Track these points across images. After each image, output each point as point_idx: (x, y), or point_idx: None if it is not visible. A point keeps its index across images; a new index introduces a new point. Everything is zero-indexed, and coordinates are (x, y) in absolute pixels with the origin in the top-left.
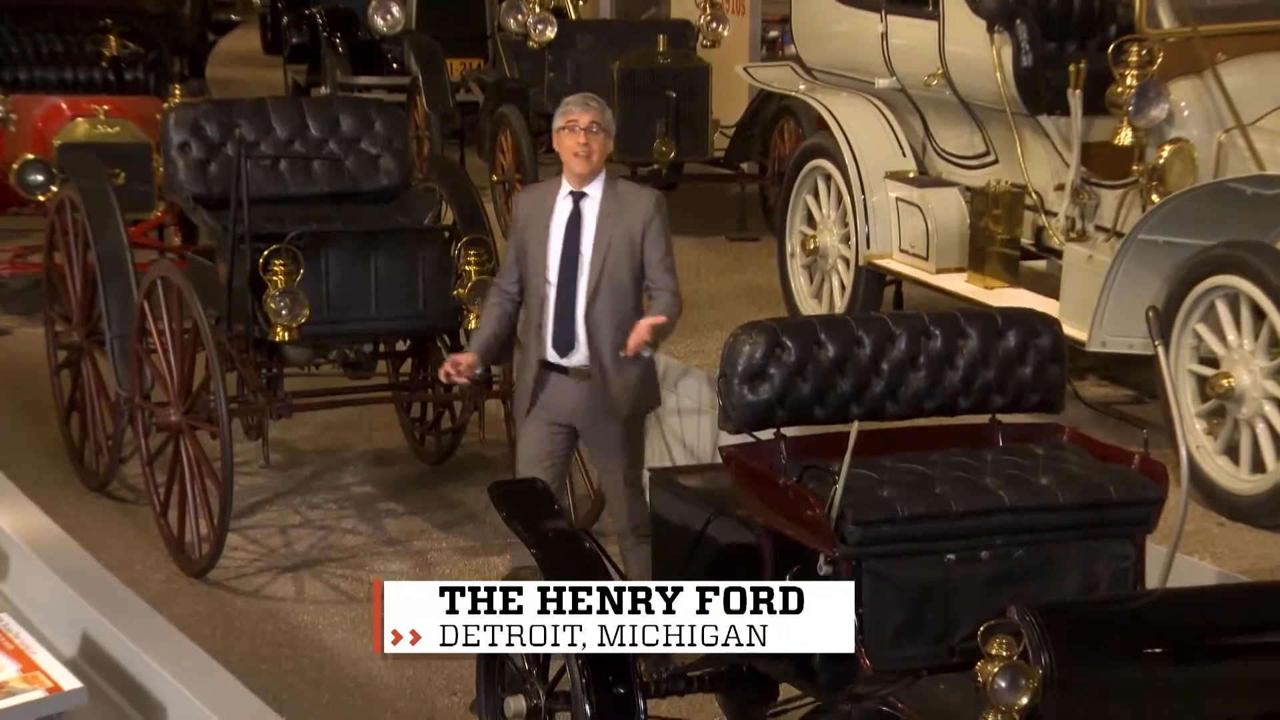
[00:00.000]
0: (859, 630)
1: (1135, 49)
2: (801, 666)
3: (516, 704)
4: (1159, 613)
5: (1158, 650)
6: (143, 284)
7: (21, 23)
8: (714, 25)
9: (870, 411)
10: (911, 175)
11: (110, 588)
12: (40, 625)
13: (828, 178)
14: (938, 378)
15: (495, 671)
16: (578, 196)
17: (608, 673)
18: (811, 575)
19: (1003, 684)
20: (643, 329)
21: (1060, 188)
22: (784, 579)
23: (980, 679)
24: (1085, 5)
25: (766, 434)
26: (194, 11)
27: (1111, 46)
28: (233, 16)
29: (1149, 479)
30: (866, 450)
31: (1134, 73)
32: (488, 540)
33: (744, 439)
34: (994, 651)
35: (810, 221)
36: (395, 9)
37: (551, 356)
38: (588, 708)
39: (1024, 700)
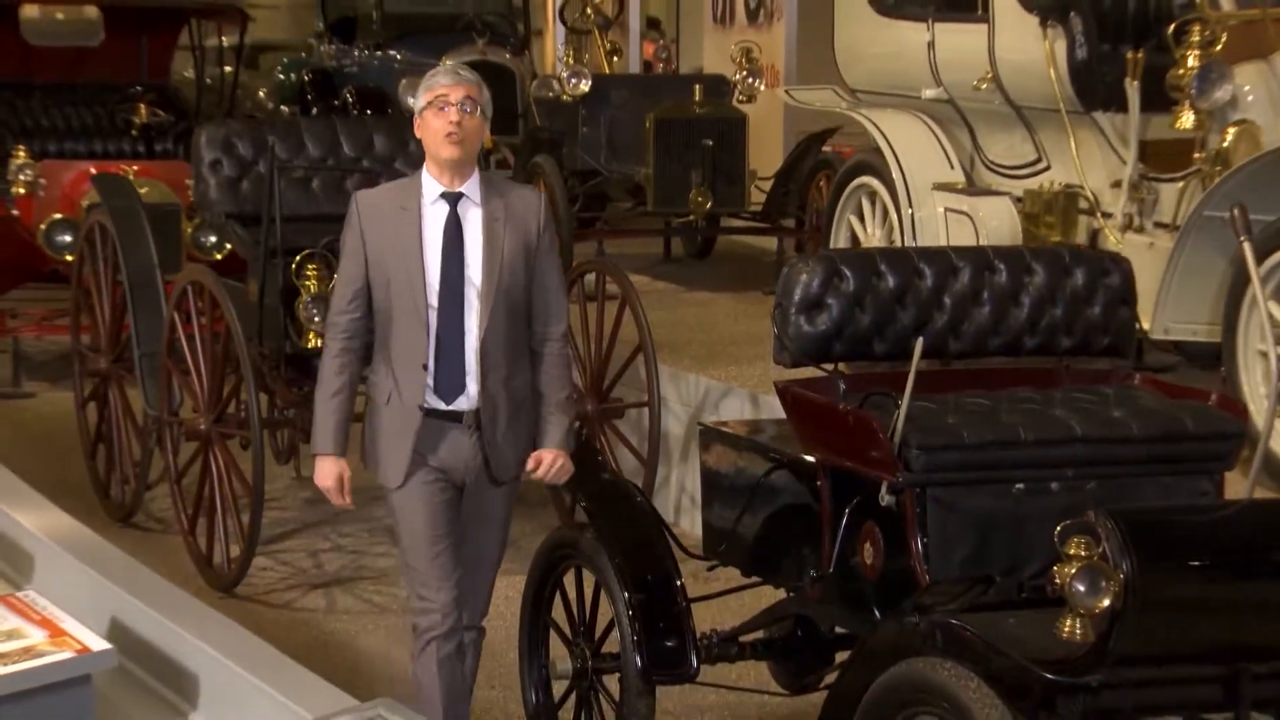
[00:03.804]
0: (923, 561)
1: (1197, 28)
2: (857, 603)
3: (563, 664)
4: (1245, 522)
5: (1244, 560)
6: (173, 292)
7: (52, 96)
8: (749, 80)
9: (932, 347)
10: (960, 186)
11: (136, 570)
12: (68, 612)
13: (872, 196)
14: (1002, 315)
15: (539, 636)
16: (453, 198)
17: (659, 620)
18: (873, 508)
19: (1081, 587)
20: (554, 460)
21: (1117, 185)
22: (843, 515)
23: (1057, 581)
24: (1140, 4)
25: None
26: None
27: (1171, 27)
28: None
29: (1228, 414)
30: (928, 389)
31: (1196, 53)
32: (524, 564)
33: (799, 375)
34: (1072, 552)
35: (854, 242)
36: None
37: (434, 402)
38: (638, 660)
39: (1105, 602)
